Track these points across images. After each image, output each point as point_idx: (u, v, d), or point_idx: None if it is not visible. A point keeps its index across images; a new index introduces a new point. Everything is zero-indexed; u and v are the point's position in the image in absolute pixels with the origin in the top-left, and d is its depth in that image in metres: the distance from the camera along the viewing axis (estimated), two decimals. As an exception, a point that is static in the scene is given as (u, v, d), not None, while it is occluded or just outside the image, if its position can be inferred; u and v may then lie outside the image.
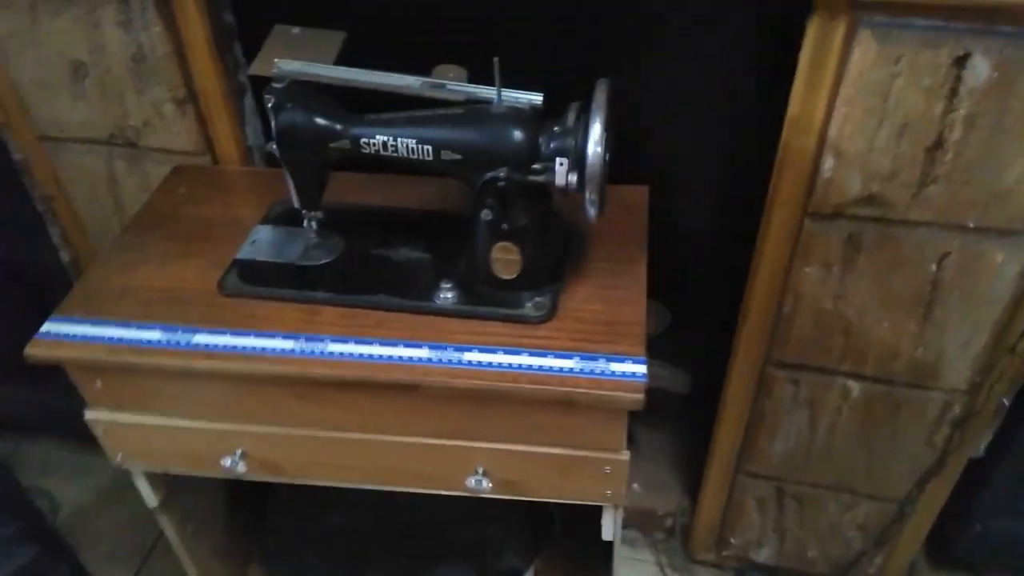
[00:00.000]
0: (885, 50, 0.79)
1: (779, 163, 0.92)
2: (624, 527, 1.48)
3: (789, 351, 1.07)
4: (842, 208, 0.92)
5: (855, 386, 1.07)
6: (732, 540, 1.36)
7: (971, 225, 0.89)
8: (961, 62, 0.79)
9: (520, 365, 0.77)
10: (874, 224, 0.92)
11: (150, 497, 0.99)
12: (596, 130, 0.70)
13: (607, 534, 0.93)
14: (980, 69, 0.79)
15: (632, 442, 1.48)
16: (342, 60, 0.83)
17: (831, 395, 1.10)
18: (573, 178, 0.71)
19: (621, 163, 0.94)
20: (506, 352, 0.78)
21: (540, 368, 0.76)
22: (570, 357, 0.77)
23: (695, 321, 1.41)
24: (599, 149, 0.70)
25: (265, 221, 0.95)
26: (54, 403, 1.26)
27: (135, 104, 1.04)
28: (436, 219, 0.92)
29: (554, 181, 0.72)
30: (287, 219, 0.93)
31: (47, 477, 1.60)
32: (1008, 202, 0.87)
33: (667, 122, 1.15)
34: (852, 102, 0.84)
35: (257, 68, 0.82)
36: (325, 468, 0.90)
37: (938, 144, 0.84)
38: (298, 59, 0.80)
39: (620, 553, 1.48)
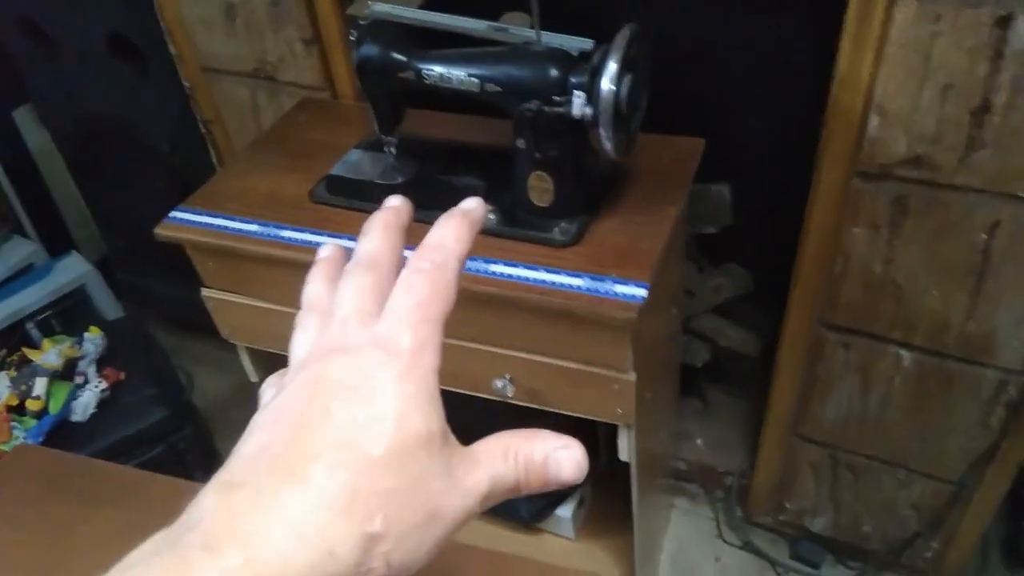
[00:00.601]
0: (925, 8, 0.80)
1: (828, 120, 0.94)
2: (686, 481, 1.53)
3: (839, 314, 1.08)
4: (889, 168, 0.93)
5: (906, 355, 1.07)
6: (788, 505, 1.38)
7: (1022, 195, 0.88)
8: (1004, 23, 0.78)
9: (535, 279, 0.86)
10: (921, 187, 0.92)
11: (251, 372, 1.19)
12: (611, 68, 0.77)
13: (623, 454, 1.00)
14: (1023, 32, 0.78)
15: (703, 400, 1.53)
16: (427, 5, 0.95)
17: (882, 363, 1.09)
18: (589, 110, 0.79)
19: (697, 121, 1.01)
20: (526, 267, 0.88)
21: (552, 283, 0.85)
22: (580, 277, 0.86)
23: (776, 287, 1.42)
24: (612, 86, 0.78)
25: (358, 146, 1.09)
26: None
27: (272, 42, 1.22)
28: (496, 154, 1.02)
29: (571, 112, 0.80)
30: (375, 146, 1.07)
31: (198, 368, 1.89)
32: (1061, 172, 0.84)
33: (740, 85, 1.18)
34: (895, 61, 0.85)
35: (354, 8, 0.96)
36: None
37: (984, 107, 0.84)
38: (387, 2, 0.93)
39: (680, 506, 1.54)
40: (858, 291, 1.04)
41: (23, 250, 1.72)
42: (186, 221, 1.01)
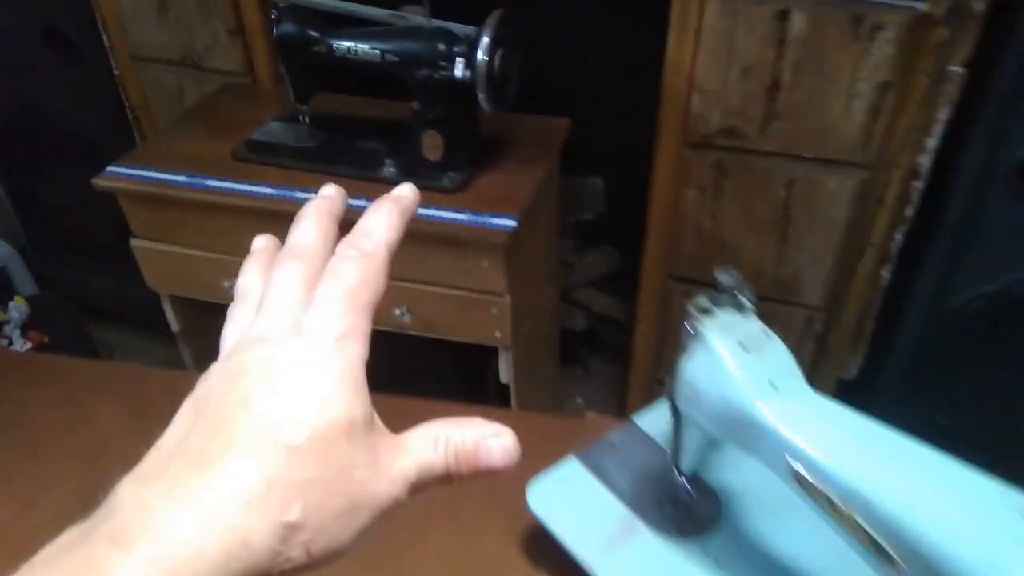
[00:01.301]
0: (725, 5, 1.03)
1: (663, 100, 1.15)
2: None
3: (681, 266, 1.29)
4: (709, 138, 1.14)
5: (734, 300, 1.28)
6: (653, 450, 1.56)
7: (809, 156, 1.11)
8: (783, 16, 1.01)
9: (427, 215, 1.03)
10: (734, 153, 1.14)
11: (174, 322, 1.30)
12: (484, 41, 0.96)
13: (503, 376, 1.17)
14: (798, 23, 1.01)
15: (584, 367, 1.71)
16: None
17: (717, 308, 1.30)
18: (468, 73, 0.98)
19: (578, 124, 1.20)
20: (420, 207, 1.04)
21: (441, 218, 1.02)
22: (464, 213, 1.03)
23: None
24: (485, 55, 0.96)
25: (276, 119, 1.24)
26: (131, 293, 1.57)
27: (200, 33, 1.36)
28: (394, 124, 1.18)
29: (455, 75, 0.98)
30: (292, 119, 1.22)
31: (116, 351, 1.95)
32: (834, 137, 1.08)
33: (610, 89, 1.39)
34: (708, 48, 1.07)
35: (275, -4, 1.12)
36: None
37: (775, 85, 1.07)
38: (303, -9, 1.10)
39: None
40: (694, 244, 1.25)
41: (-57, 234, 1.77)
42: (120, 173, 1.14)
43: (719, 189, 1.18)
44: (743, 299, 0.47)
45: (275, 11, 1.08)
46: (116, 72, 1.48)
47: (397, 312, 1.12)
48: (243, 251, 0.36)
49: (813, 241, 1.17)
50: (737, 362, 0.45)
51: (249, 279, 0.35)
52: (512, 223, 1.01)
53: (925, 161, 1.07)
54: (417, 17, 1.05)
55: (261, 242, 0.37)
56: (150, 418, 0.28)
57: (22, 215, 1.98)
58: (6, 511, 0.70)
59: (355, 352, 0.28)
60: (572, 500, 0.59)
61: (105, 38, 1.44)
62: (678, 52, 1.10)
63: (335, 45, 1.06)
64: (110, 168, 1.15)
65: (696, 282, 1.29)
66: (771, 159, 1.13)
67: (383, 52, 1.04)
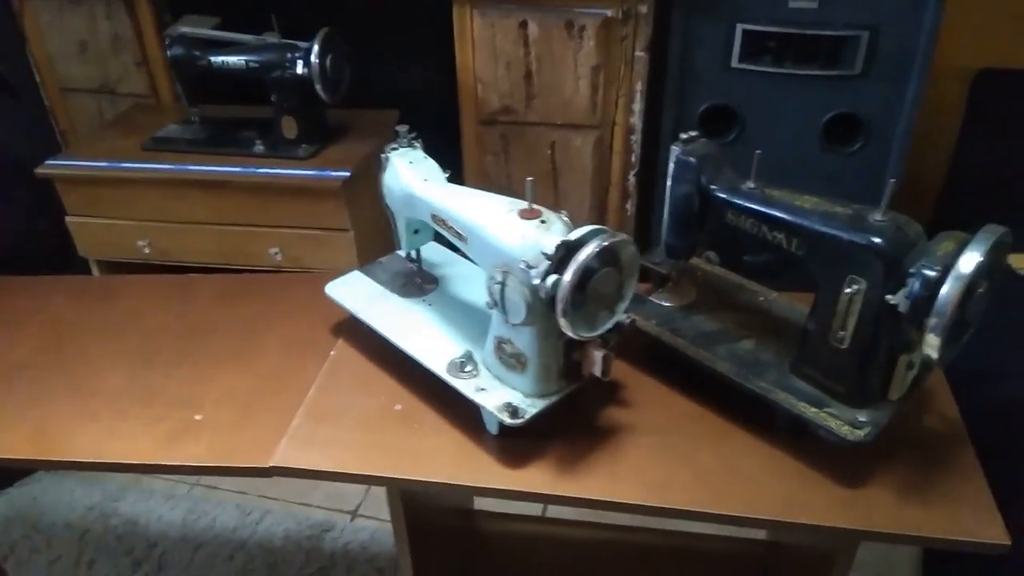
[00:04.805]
0: (486, 20, 1.45)
1: (459, 91, 1.57)
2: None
3: (491, 216, 1.69)
4: (493, 116, 1.56)
5: (531, 238, 1.68)
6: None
7: (560, 123, 1.53)
8: (524, 25, 1.44)
9: (287, 173, 1.40)
10: (511, 126, 1.56)
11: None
12: (315, 49, 1.36)
13: (356, 298, 1.53)
14: (533, 29, 1.44)
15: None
16: (218, 28, 1.51)
17: (521, 246, 1.70)
18: (305, 71, 1.37)
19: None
20: (280, 169, 1.42)
21: (297, 175, 1.40)
22: (312, 170, 1.41)
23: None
24: (316, 59, 1.36)
25: (174, 123, 1.60)
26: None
27: (114, 66, 1.72)
28: (263, 120, 1.56)
29: (297, 72, 1.37)
30: (186, 123, 1.59)
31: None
32: (572, 107, 1.50)
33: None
34: (481, 51, 1.49)
35: (169, 31, 1.50)
36: (193, 252, 1.53)
37: (528, 74, 1.49)
38: (189, 27, 1.48)
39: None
40: (497, 198, 1.65)
41: None
42: (56, 164, 1.48)
43: (507, 153, 1.59)
44: (414, 141, 0.86)
45: (168, 39, 1.46)
46: (47, 103, 1.81)
47: (272, 251, 1.48)
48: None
49: (574, 186, 1.59)
50: (407, 169, 0.84)
51: None
52: (346, 173, 1.39)
53: (636, 120, 1.50)
54: (271, 38, 1.45)
55: None
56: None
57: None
58: None
59: None
60: (351, 287, 0.96)
61: (37, 75, 1.78)
62: (463, 56, 1.51)
63: (213, 60, 1.44)
64: (48, 161, 1.48)
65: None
66: (536, 128, 1.55)
67: (247, 62, 1.42)
